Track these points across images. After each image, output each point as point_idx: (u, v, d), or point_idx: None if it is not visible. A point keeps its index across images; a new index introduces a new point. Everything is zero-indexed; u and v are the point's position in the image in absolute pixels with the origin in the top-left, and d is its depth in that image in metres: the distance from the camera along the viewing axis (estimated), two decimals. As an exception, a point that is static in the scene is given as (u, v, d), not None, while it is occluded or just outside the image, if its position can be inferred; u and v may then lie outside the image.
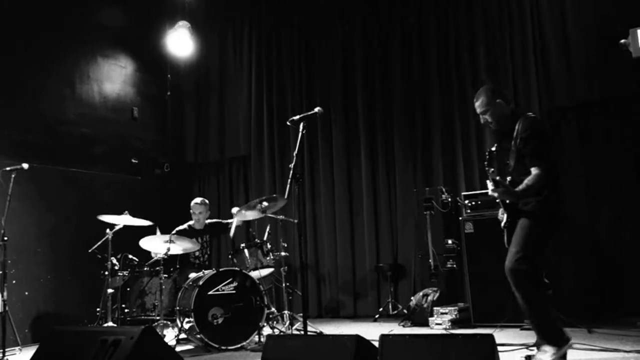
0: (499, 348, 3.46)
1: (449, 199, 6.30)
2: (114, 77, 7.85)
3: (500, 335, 4.77)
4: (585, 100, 5.99)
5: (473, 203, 5.72)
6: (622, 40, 5.10)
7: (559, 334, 3.39)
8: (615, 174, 5.84)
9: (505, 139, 3.62)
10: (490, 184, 3.43)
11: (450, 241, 6.18)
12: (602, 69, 5.83)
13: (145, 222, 5.68)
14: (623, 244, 5.76)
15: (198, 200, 6.21)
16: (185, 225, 6.08)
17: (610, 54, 5.54)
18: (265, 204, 5.51)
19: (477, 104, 3.74)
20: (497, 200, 3.66)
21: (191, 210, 6.16)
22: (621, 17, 5.58)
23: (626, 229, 5.74)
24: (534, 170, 3.41)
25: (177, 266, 5.71)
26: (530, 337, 4.47)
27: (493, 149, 3.50)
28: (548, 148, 3.54)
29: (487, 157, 3.42)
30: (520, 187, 3.41)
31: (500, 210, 3.76)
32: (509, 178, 3.48)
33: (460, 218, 5.78)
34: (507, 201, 3.56)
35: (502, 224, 3.68)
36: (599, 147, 5.95)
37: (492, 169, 3.37)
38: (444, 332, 5.35)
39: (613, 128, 5.90)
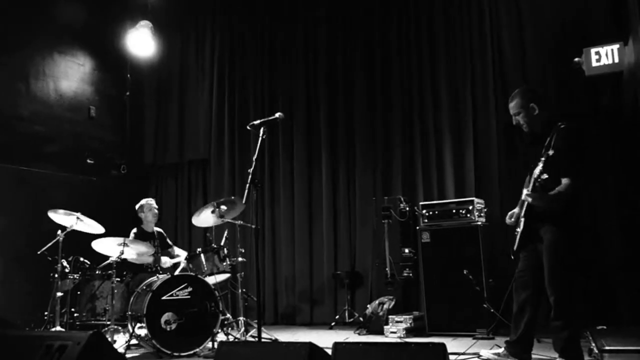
0: (452, 357, 3.50)
1: (407, 208, 6.37)
2: (71, 75, 7.65)
3: (454, 344, 4.85)
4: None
5: (430, 213, 5.81)
6: (576, 59, 5.28)
7: (581, 355, 3.54)
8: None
9: (537, 144, 3.66)
10: (525, 190, 3.55)
11: (407, 250, 6.24)
12: (556, 85, 6.01)
13: (98, 229, 5.54)
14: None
15: (152, 202, 6.11)
16: (135, 230, 5.94)
17: (564, 72, 5.72)
18: (223, 207, 5.46)
19: (511, 105, 3.78)
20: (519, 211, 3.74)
21: (145, 211, 6.02)
22: (575, 36, 5.77)
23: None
24: (564, 180, 3.48)
25: (128, 270, 5.59)
26: (483, 346, 4.55)
27: (544, 157, 3.52)
28: (581, 159, 3.60)
29: (544, 162, 3.45)
30: (552, 192, 3.48)
31: (511, 213, 3.89)
32: (535, 184, 3.55)
33: (418, 227, 5.86)
34: (532, 209, 3.60)
35: (520, 231, 3.72)
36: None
37: (546, 175, 3.42)
38: (398, 340, 5.39)
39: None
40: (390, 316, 5.71)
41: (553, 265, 3.53)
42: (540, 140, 3.65)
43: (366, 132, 7.13)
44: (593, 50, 5.32)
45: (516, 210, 3.90)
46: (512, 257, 3.89)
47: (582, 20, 5.90)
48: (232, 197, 5.93)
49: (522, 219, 3.69)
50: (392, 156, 6.94)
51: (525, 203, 3.64)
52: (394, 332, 5.57)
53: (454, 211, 5.70)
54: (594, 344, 3.91)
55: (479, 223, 5.58)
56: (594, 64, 5.34)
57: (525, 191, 3.64)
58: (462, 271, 5.37)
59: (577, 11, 5.94)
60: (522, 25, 6.28)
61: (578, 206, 3.60)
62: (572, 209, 3.56)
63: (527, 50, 6.22)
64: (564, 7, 6.02)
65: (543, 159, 3.46)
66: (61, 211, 5.39)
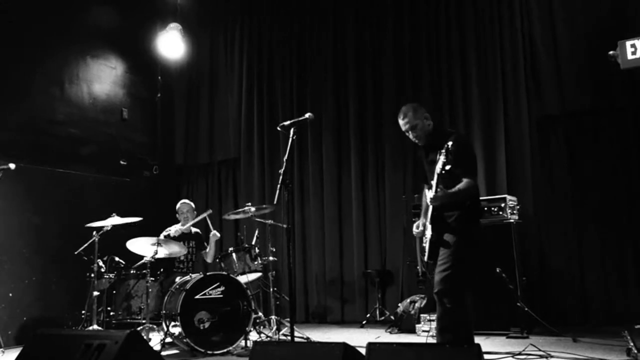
0: (486, 356, 3.45)
1: (438, 206, 6.31)
2: (104, 78, 7.79)
3: (487, 343, 4.80)
4: (575, 110, 6.05)
5: (461, 211, 5.74)
6: (611, 52, 5.14)
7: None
8: (602, 185, 5.90)
9: (431, 154, 3.64)
10: (430, 194, 3.51)
11: (438, 248, 6.18)
12: (591, 79, 5.89)
13: (134, 219, 5.66)
14: (608, 257, 5.80)
15: (185, 200, 6.23)
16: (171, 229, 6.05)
17: (599, 65, 5.59)
18: (252, 209, 5.51)
19: (403, 121, 3.74)
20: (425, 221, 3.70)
21: (178, 212, 6.14)
22: (610, 29, 5.64)
23: (612, 244, 5.80)
24: (465, 179, 3.51)
25: (162, 269, 5.68)
26: (517, 345, 4.50)
27: (440, 166, 3.46)
28: (475, 164, 3.70)
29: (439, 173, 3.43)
30: (452, 189, 3.48)
31: (417, 223, 3.84)
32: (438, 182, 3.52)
33: (449, 225, 5.79)
34: (436, 213, 3.57)
35: (428, 239, 3.63)
36: (586, 156, 6.02)
37: (449, 166, 3.37)
38: (430, 339, 5.35)
39: (601, 138, 5.97)
40: (422, 315, 5.68)
41: (449, 268, 3.49)
42: (434, 149, 3.57)
43: (395, 130, 7.05)
44: (628, 43, 5.16)
45: (421, 219, 3.83)
46: (424, 267, 3.82)
47: (617, 12, 5.76)
48: (264, 205, 5.98)
49: (429, 226, 3.62)
50: (422, 153, 6.88)
51: (430, 211, 3.58)
52: (426, 330, 5.53)
53: (486, 209, 5.61)
54: (632, 343, 3.83)
55: (512, 220, 5.50)
56: (630, 56, 5.20)
57: (429, 194, 3.56)
58: (495, 269, 5.30)
59: (612, 2, 5.82)
60: (554, 17, 6.17)
61: (475, 209, 3.65)
62: (472, 216, 3.59)
63: (560, 44, 6.12)
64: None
65: (443, 160, 3.39)
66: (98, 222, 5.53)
